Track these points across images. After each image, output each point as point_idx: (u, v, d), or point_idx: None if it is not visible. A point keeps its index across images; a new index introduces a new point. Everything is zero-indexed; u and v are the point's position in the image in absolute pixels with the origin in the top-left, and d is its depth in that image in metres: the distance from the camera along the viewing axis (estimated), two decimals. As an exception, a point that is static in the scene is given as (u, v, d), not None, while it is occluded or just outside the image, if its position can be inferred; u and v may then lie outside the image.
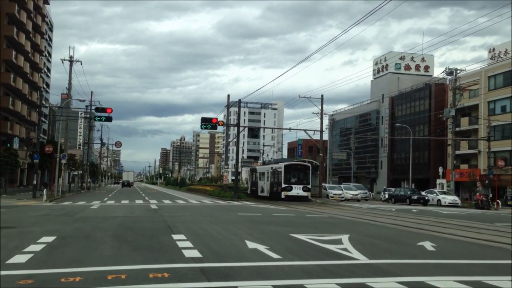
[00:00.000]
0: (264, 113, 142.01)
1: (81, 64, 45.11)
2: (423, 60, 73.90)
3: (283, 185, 34.80)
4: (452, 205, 38.02)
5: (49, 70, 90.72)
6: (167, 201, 31.37)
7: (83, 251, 9.00)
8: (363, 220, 18.70)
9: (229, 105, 46.30)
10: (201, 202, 32.07)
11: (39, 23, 59.18)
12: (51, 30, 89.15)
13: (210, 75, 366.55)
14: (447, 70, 44.67)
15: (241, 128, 45.07)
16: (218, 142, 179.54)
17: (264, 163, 49.70)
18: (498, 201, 38.59)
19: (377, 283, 6.45)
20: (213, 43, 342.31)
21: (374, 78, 77.80)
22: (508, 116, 47.43)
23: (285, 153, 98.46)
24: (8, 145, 40.34)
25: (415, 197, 39.64)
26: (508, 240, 12.27)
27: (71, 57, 43.78)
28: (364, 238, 11.93)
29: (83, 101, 45.70)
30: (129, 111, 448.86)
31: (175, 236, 11.22)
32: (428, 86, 62.01)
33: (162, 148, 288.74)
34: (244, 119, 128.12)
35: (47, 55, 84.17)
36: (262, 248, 9.52)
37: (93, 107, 48.27)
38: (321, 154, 44.13)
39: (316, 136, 45.45)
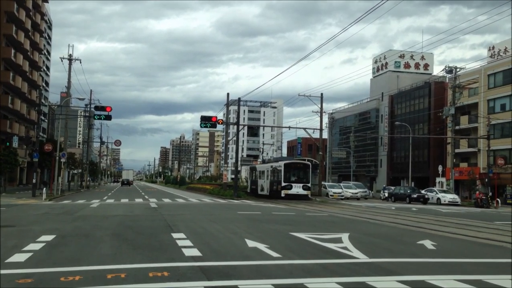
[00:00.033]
0: (264, 112, 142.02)
1: (80, 62, 45.09)
2: (422, 58, 73.90)
3: (283, 184, 34.77)
4: (452, 203, 38.03)
5: (48, 68, 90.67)
6: (166, 200, 31.35)
7: (83, 250, 8.98)
8: (363, 218, 18.69)
9: (228, 104, 46.27)
10: (200, 200, 32.05)
11: (38, 21, 59.09)
12: (50, 28, 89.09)
13: (210, 74, 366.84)
14: (446, 68, 44.60)
15: (240, 127, 45.01)
16: (218, 140, 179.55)
17: (264, 162, 49.67)
18: (498, 199, 38.59)
19: (378, 282, 6.42)
20: (212, 41, 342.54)
21: (374, 77, 77.79)
22: (507, 115, 47.41)
23: (284, 152, 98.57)
24: (8, 143, 40.27)
25: (415, 196, 39.60)
26: (508, 239, 12.26)
27: (70, 55, 43.74)
28: (364, 236, 11.92)
29: (83, 99, 45.57)
30: (128, 110, 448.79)
31: (174, 235, 11.20)
32: (428, 84, 61.99)
33: (161, 147, 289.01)
34: (244, 118, 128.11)
35: (46, 53, 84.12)
36: (262, 246, 9.51)
37: (92, 106, 48.22)
38: (320, 153, 44.12)
39: (316, 135, 45.43)
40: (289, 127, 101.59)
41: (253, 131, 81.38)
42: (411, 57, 73.17)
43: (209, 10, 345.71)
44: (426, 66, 74.33)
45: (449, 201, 38.34)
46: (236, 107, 47.25)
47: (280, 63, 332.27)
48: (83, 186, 58.89)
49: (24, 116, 53.86)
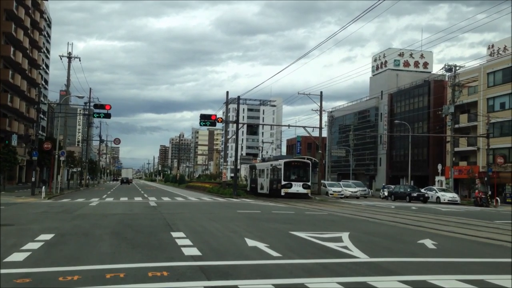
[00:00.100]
0: (263, 110, 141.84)
1: (80, 60, 45.00)
2: (422, 56, 73.88)
3: (283, 182, 34.68)
4: (451, 202, 38.02)
5: (47, 66, 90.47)
6: (166, 198, 31.30)
7: (82, 249, 8.93)
8: (363, 217, 18.66)
9: (228, 102, 46.21)
10: (200, 199, 32.01)
11: (38, 19, 58.98)
12: (49, 26, 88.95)
13: (209, 72, 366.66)
14: (446, 66, 44.57)
15: (240, 125, 44.95)
16: (217, 139, 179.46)
17: (263, 160, 49.60)
18: (497, 198, 38.58)
19: (379, 282, 6.37)
20: (212, 39, 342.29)
21: (373, 75, 77.74)
22: (507, 113, 47.40)
23: (284, 150, 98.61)
24: (7, 142, 40.21)
25: (414, 194, 39.55)
26: (508, 238, 12.24)
27: (69, 53, 43.67)
28: (364, 235, 11.88)
29: (82, 97, 45.52)
30: (127, 108, 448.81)
31: (174, 234, 11.16)
32: (427, 82, 61.97)
33: (161, 145, 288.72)
34: (243, 116, 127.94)
35: (46, 51, 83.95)
36: (261, 246, 9.46)
37: (91, 104, 48.18)
38: (320, 151, 44.06)
39: (315, 133, 45.39)
40: (289, 126, 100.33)
41: (253, 130, 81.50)
42: (411, 55, 73.14)
43: (209, 8, 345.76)
44: (425, 64, 74.28)
45: (448, 200, 38.32)
46: (235, 106, 47.23)
47: (280, 62, 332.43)
48: (83, 184, 58.82)
49: (23, 114, 53.77)
